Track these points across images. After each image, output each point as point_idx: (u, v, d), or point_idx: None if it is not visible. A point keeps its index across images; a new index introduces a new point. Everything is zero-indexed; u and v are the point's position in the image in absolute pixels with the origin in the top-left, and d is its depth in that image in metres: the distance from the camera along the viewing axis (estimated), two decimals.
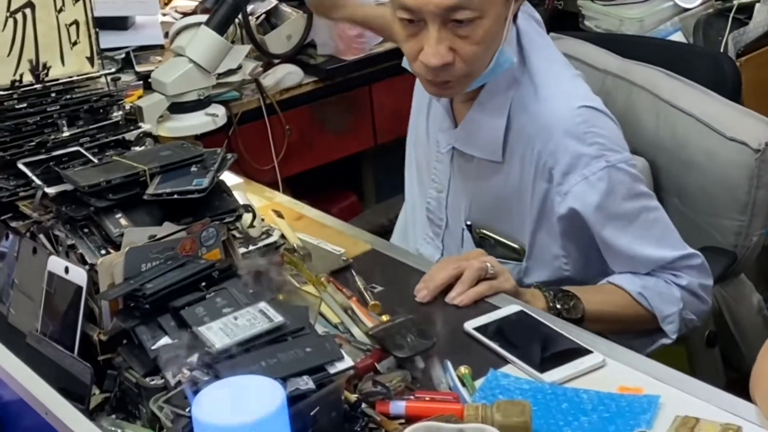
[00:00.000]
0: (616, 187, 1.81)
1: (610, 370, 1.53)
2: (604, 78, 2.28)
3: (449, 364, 1.51)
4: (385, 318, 1.64)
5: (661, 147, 2.18)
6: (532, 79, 1.87)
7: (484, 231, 1.98)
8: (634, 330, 1.90)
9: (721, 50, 3.03)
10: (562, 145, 1.81)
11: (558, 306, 1.78)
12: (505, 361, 1.56)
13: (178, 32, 2.52)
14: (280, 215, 2.01)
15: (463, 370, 1.50)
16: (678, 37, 3.15)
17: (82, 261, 1.51)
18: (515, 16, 1.85)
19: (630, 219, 1.84)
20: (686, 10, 3.23)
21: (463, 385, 1.48)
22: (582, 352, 1.56)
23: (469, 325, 1.63)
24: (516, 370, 1.53)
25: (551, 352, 1.57)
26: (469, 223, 1.99)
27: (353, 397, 1.38)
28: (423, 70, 1.79)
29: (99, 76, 1.89)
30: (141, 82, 2.75)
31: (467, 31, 1.74)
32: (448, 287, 1.75)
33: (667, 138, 2.17)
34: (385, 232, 2.31)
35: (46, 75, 1.81)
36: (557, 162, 1.82)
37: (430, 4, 1.72)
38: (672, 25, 3.20)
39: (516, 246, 1.94)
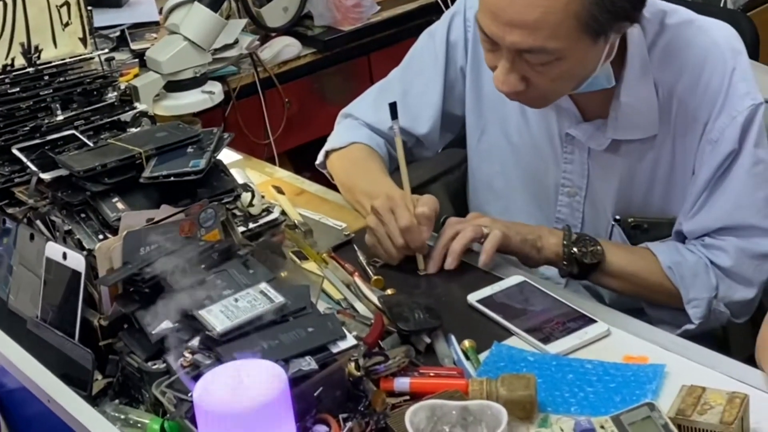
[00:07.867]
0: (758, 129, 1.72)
1: (614, 339, 1.52)
2: None
3: (453, 338, 1.50)
4: (390, 292, 1.63)
5: None
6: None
7: (636, 217, 1.85)
8: (656, 300, 1.81)
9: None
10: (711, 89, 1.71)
11: (575, 249, 1.73)
12: (510, 333, 1.55)
13: (172, 9, 2.50)
14: (280, 191, 1.99)
15: (468, 343, 1.49)
16: None
17: (79, 246, 1.50)
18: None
19: (757, 163, 1.73)
20: None
21: (468, 358, 1.47)
22: (586, 321, 1.55)
23: (473, 298, 1.62)
24: (520, 341, 1.52)
25: (555, 323, 1.55)
26: (618, 217, 1.86)
27: (357, 373, 1.36)
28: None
29: (92, 58, 1.88)
30: (137, 60, 2.73)
31: (543, 69, 1.61)
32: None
33: None
34: None
35: (38, 58, 1.79)
36: (706, 108, 1.72)
37: (505, 41, 1.59)
38: None
39: (672, 217, 1.83)
